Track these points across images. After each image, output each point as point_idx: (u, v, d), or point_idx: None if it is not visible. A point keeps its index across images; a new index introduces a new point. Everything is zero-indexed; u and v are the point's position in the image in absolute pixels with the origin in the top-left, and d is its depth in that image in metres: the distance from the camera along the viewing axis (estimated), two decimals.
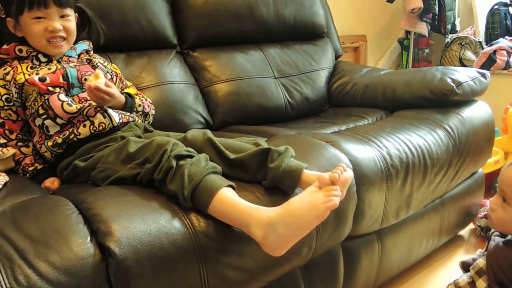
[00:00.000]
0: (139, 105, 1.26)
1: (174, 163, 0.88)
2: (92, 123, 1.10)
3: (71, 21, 1.18)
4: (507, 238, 0.96)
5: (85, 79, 1.18)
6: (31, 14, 1.11)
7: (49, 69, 1.15)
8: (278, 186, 0.94)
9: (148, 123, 1.30)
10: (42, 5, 1.11)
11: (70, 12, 1.17)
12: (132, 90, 1.31)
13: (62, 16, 1.15)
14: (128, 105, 1.21)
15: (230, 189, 0.87)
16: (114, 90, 1.13)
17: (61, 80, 1.14)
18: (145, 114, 1.28)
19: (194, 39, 1.69)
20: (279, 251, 0.83)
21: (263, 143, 1.00)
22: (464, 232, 1.83)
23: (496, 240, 0.97)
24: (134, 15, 1.51)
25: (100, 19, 1.38)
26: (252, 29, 1.81)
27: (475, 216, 1.77)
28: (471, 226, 1.83)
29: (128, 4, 1.50)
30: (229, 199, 0.84)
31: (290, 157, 0.95)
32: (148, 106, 1.30)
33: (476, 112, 1.61)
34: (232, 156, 0.96)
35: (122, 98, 1.19)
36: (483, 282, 0.92)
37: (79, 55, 1.24)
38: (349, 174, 0.88)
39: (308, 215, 0.80)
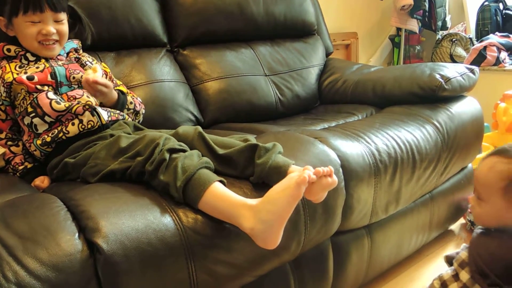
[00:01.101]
0: (131, 103, 1.26)
1: (167, 156, 0.89)
2: (81, 121, 1.10)
3: (65, 24, 1.19)
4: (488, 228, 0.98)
5: (74, 77, 1.18)
6: (26, 18, 1.11)
7: (37, 67, 1.15)
8: (265, 182, 0.95)
9: (138, 122, 1.30)
10: (37, 9, 1.11)
11: (63, 16, 1.18)
12: (122, 89, 1.31)
13: (56, 20, 1.16)
14: (120, 102, 1.21)
15: (221, 184, 0.88)
16: (110, 86, 1.14)
17: (49, 78, 1.14)
18: (136, 113, 1.29)
19: (184, 37, 1.69)
20: (271, 242, 0.84)
21: (252, 139, 1.02)
22: (455, 226, 1.84)
23: (478, 231, 0.99)
24: (124, 14, 1.51)
25: (89, 18, 1.37)
26: (242, 27, 1.82)
27: (465, 211, 1.79)
28: (461, 221, 1.85)
29: (117, 3, 1.50)
30: (220, 192, 0.85)
31: (277, 153, 0.96)
32: (139, 104, 1.30)
33: (465, 108, 1.62)
34: (221, 151, 0.98)
35: (115, 94, 1.20)
36: (466, 274, 0.93)
37: (67, 54, 1.25)
38: (332, 180, 0.89)
39: (283, 196, 0.82)
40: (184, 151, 0.92)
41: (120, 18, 1.50)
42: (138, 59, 1.54)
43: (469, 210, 1.78)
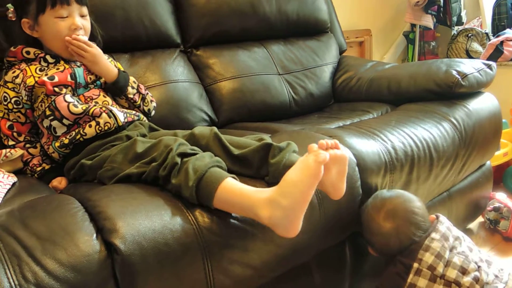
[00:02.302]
0: (134, 82, 1.26)
1: (178, 160, 0.89)
2: (98, 123, 1.11)
3: (88, 20, 1.21)
4: None
5: (90, 78, 1.19)
6: (54, 13, 1.13)
7: (57, 69, 1.16)
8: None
9: (149, 110, 1.30)
10: (65, 2, 1.13)
11: (87, 11, 1.20)
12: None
13: (81, 15, 1.18)
14: (121, 76, 1.22)
15: (234, 180, 0.88)
16: (97, 48, 1.18)
17: (69, 79, 1.15)
18: (143, 98, 1.28)
19: (197, 37, 1.70)
20: (292, 229, 0.82)
21: (267, 138, 1.01)
22: (473, 225, 1.82)
23: None
24: (138, 15, 1.52)
25: (104, 20, 1.39)
26: (255, 27, 1.82)
27: (484, 209, 1.76)
28: (480, 219, 1.82)
29: (131, 5, 1.51)
30: (233, 187, 0.85)
31: (292, 152, 0.96)
32: (144, 90, 1.30)
33: (483, 104, 1.59)
34: (236, 151, 0.98)
35: (113, 67, 1.21)
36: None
37: None
38: (341, 152, 0.89)
39: (303, 178, 0.80)
40: (195, 154, 0.92)
41: (134, 20, 1.51)
42: (152, 60, 1.54)
43: (488, 208, 1.75)
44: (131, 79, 1.27)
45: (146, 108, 1.29)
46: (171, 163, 0.89)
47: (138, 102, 1.27)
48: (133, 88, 1.26)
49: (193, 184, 0.84)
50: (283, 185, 0.82)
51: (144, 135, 1.14)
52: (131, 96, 1.25)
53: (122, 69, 1.34)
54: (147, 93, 1.31)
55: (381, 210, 1.08)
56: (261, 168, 0.96)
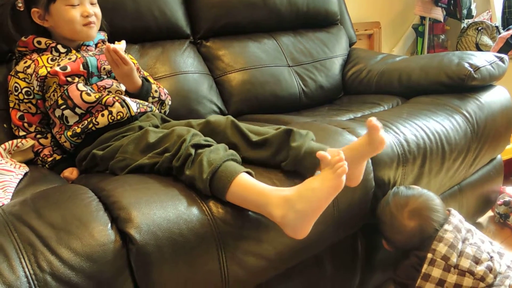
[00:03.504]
0: (155, 91, 1.26)
1: (193, 151, 0.89)
2: (110, 112, 1.11)
3: (98, 7, 1.20)
4: None
5: (104, 68, 1.19)
6: (65, 1, 1.12)
7: (70, 58, 1.15)
8: (297, 169, 0.94)
9: (165, 113, 1.30)
10: None
11: None
12: (149, 79, 1.31)
13: (91, 3, 1.17)
14: (144, 88, 1.21)
15: (249, 175, 0.87)
16: (131, 65, 1.13)
17: (81, 68, 1.15)
18: (161, 102, 1.29)
19: (207, 29, 1.69)
20: (301, 232, 0.83)
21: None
22: (483, 219, 1.81)
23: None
24: (148, 6, 1.51)
25: (114, 10, 1.38)
26: (265, 18, 1.80)
27: (494, 203, 1.75)
28: (490, 213, 1.81)
29: None
30: (247, 182, 0.84)
31: (310, 140, 0.96)
32: (165, 94, 1.30)
33: (495, 97, 1.58)
34: (255, 138, 0.98)
35: (138, 80, 1.19)
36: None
37: (96, 45, 1.25)
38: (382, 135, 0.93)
39: (323, 186, 0.81)
40: (209, 145, 0.92)
41: (144, 10, 1.50)
42: (162, 51, 1.54)
43: (498, 202, 1.74)
44: (153, 88, 1.25)
45: (162, 111, 1.29)
46: (184, 154, 0.88)
47: (157, 107, 1.27)
48: (153, 97, 1.25)
49: (207, 176, 0.84)
50: (302, 188, 0.82)
51: (156, 126, 1.13)
52: (149, 103, 1.24)
53: (134, 61, 1.33)
54: (167, 97, 1.31)
55: (405, 209, 1.08)
56: (279, 153, 0.96)
